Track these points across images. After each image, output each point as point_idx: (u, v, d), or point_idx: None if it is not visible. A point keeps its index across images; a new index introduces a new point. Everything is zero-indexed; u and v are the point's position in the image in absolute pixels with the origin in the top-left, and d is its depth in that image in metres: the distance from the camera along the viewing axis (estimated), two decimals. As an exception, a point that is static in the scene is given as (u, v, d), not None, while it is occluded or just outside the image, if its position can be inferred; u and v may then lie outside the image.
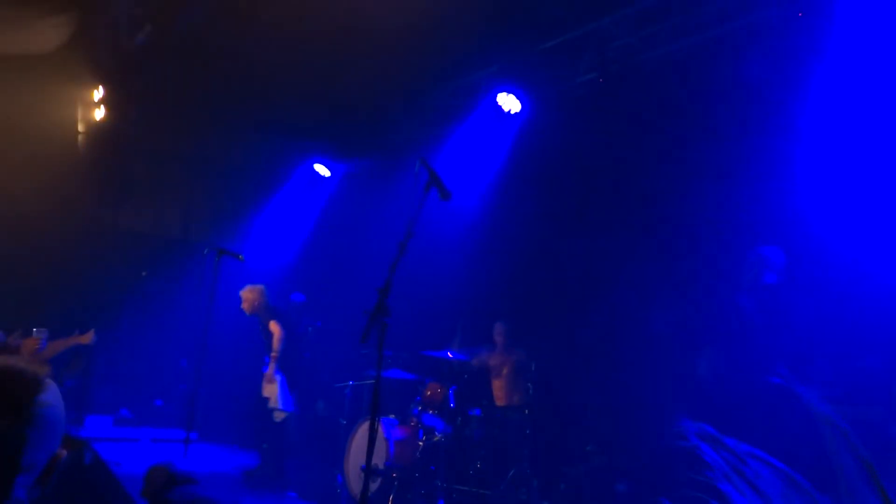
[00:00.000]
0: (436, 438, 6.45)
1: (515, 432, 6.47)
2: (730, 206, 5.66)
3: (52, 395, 1.77)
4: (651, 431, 5.53)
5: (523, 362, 6.85)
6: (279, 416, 7.01)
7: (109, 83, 8.07)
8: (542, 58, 6.86)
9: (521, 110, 7.27)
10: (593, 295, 6.73)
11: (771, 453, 1.65)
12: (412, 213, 3.58)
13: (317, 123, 8.76)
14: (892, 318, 4.33)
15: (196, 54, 7.06)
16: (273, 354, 6.97)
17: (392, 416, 6.74)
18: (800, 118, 5.19)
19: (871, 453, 1.56)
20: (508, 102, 7.25)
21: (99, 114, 8.53)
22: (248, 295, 7.27)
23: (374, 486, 6.20)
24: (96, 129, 8.58)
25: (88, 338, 6.29)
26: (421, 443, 6.41)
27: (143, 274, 10.18)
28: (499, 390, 7.01)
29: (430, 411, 6.66)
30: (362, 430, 6.69)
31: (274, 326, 7.04)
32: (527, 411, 6.49)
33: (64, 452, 1.87)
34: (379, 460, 6.19)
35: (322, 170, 9.94)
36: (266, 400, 7.03)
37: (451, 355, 6.83)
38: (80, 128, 8.51)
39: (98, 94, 8.36)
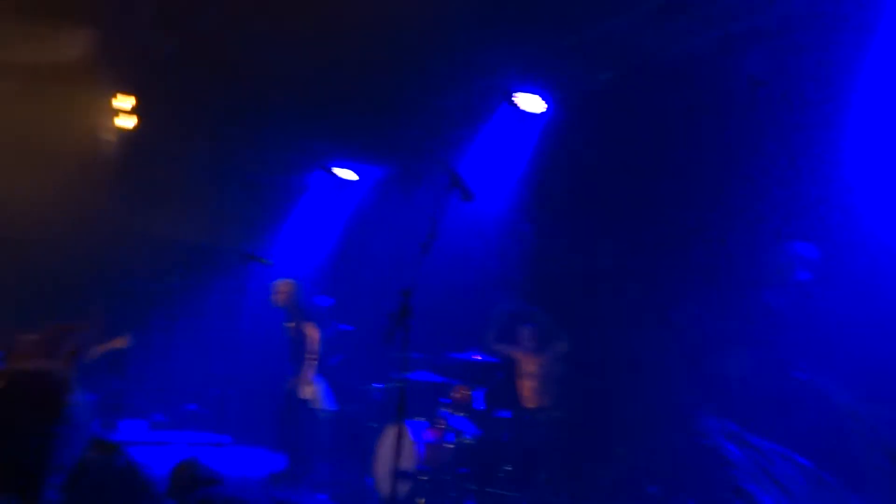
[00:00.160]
0: (465, 441, 6.44)
1: (545, 434, 6.44)
2: (761, 205, 5.57)
3: (80, 396, 1.80)
4: (681, 432, 5.47)
5: (552, 363, 6.81)
6: (322, 416, 7.08)
7: (139, 92, 8.20)
8: (562, 58, 6.81)
9: (543, 110, 7.25)
10: (622, 296, 6.67)
11: (798, 452, 1.63)
12: (435, 214, 3.58)
13: (342, 128, 8.82)
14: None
15: (224, 62, 7.14)
16: (312, 357, 7.04)
17: (422, 419, 6.75)
18: (838, 113, 5.09)
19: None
20: (530, 103, 7.23)
21: (129, 122, 8.67)
22: (284, 287, 7.53)
23: (404, 490, 6.21)
24: (126, 138, 8.72)
25: (124, 342, 6.44)
26: (451, 445, 6.41)
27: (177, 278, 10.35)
28: (528, 392, 6.99)
29: (460, 414, 6.66)
30: (392, 434, 6.71)
31: (311, 329, 7.13)
32: (556, 413, 6.46)
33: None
34: (409, 463, 6.19)
35: (347, 174, 10.04)
36: (299, 402, 7.09)
37: (479, 358, 6.82)
38: (111, 137, 8.65)
39: (128, 103, 8.49)
